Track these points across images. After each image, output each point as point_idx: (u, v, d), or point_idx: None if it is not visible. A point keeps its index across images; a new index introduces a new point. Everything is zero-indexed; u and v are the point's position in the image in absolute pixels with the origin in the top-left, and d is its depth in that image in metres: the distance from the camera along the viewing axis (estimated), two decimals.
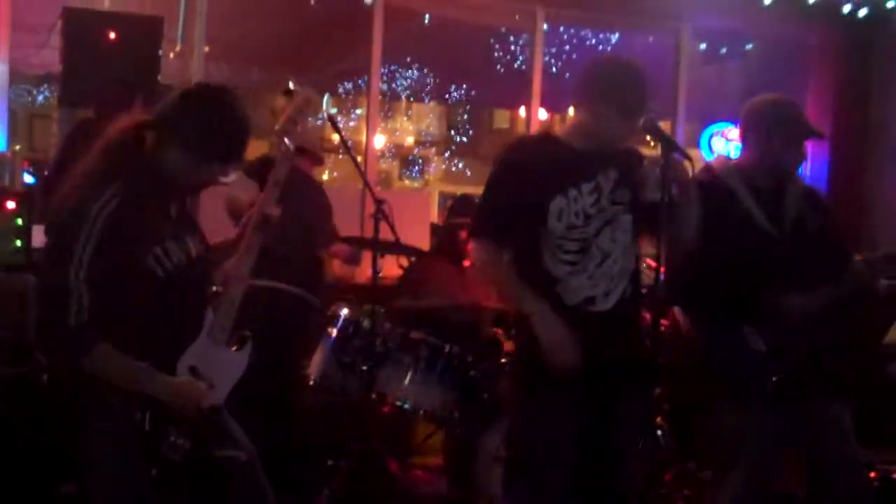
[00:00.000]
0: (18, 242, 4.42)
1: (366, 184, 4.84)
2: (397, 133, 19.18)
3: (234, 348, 3.05)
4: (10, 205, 4.43)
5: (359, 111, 15.16)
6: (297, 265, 4.86)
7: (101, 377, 2.71)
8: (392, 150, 19.30)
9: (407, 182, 19.75)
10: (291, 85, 3.45)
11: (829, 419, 3.71)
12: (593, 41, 9.37)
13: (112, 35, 5.55)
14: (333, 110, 18.01)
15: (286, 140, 3.25)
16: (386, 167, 19.21)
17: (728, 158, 3.96)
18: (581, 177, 3.37)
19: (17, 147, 9.03)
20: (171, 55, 8.13)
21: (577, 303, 3.35)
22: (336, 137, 5.05)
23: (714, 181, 3.78)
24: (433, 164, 19.83)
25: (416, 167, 19.95)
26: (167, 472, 2.78)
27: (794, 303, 3.65)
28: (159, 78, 5.70)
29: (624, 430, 3.42)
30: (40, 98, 12.44)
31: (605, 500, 3.46)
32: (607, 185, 3.40)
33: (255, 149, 3.94)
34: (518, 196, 3.35)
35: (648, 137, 3.50)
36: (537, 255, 3.36)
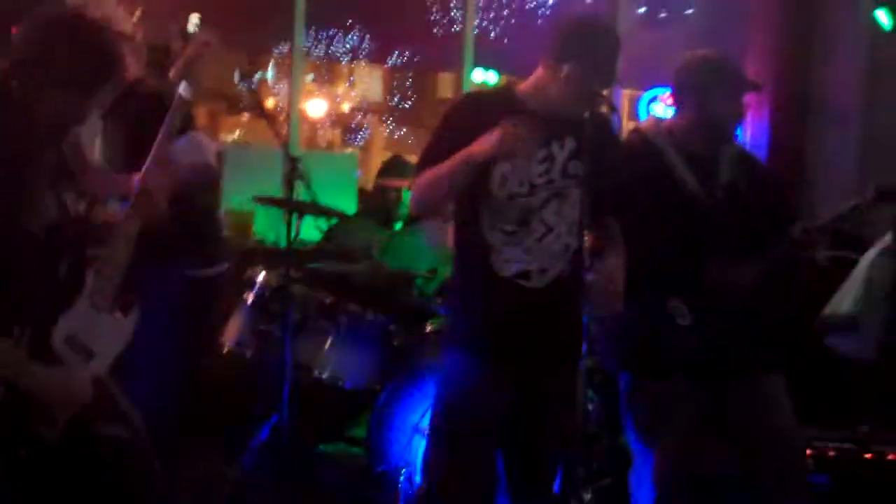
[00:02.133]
0: None
1: (281, 143, 4.58)
2: (338, 99, 18.89)
3: (118, 314, 2.80)
4: None
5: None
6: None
7: None
8: (333, 118, 19.03)
9: (349, 150, 19.50)
10: (192, 26, 3.15)
11: (760, 395, 3.57)
12: (532, 4, 9.18)
13: None
14: (270, 74, 17.72)
15: (181, 86, 2.98)
16: (327, 134, 18.94)
17: (659, 120, 3.77)
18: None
19: None
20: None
21: (510, 275, 3.14)
22: (270, 102, 4.89)
23: (642, 143, 3.60)
24: (374, 131, 19.57)
25: (359, 135, 19.69)
26: (39, 451, 2.52)
27: (722, 273, 3.48)
28: None
29: (546, 406, 3.25)
30: None
31: (527, 474, 3.31)
32: (561, 154, 3.17)
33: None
34: (427, 160, 3.14)
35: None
36: (476, 219, 3.15)
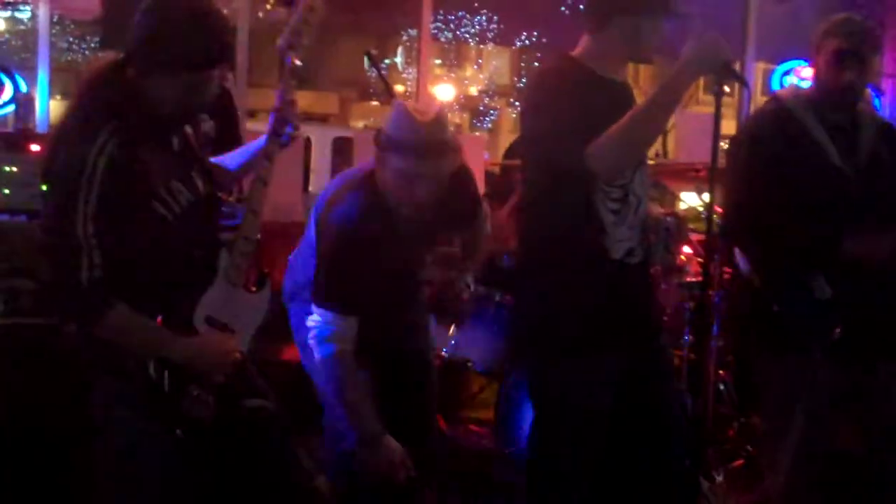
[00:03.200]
0: (44, 187, 4.27)
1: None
2: (465, 83, 18.93)
3: (253, 289, 2.82)
4: (35, 147, 4.25)
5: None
6: None
7: (118, 341, 2.53)
8: (461, 101, 19.07)
9: (478, 133, 19.51)
10: None
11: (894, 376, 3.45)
12: None
13: None
14: (399, 59, 17.84)
15: (290, 56, 2.90)
16: (456, 119, 19.00)
17: (798, 88, 3.66)
18: (623, 114, 2.92)
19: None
20: (224, 11, 8.02)
21: (622, 256, 3.05)
22: (399, 88, 4.89)
23: (782, 112, 3.50)
24: (502, 114, 19.54)
25: (487, 118, 19.68)
26: (194, 429, 2.59)
27: (863, 246, 3.37)
28: None
29: (661, 379, 3.19)
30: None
31: (659, 450, 3.16)
32: None
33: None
34: (585, 133, 2.86)
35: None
36: (590, 203, 2.98)
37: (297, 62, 2.87)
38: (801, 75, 7.74)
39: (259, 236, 2.77)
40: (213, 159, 2.97)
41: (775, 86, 7.97)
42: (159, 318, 2.58)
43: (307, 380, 3.44)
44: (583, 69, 3.02)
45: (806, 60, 7.97)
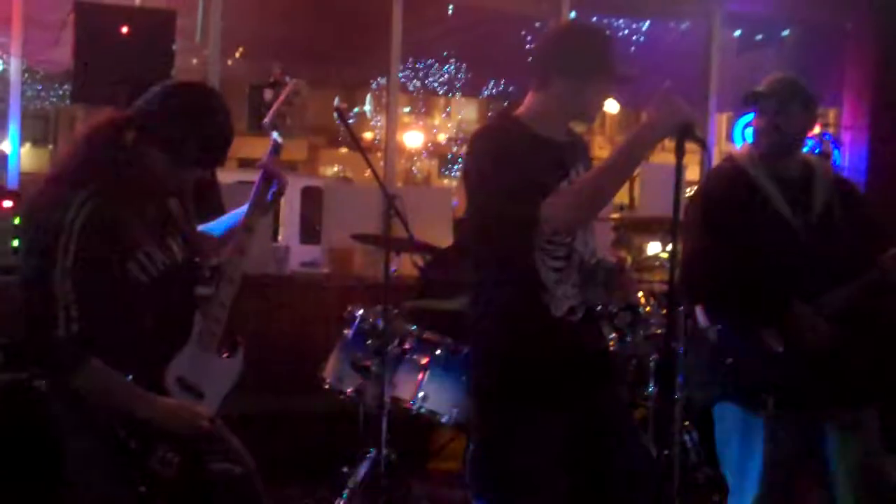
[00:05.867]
0: (16, 242, 4.30)
1: (378, 180, 4.66)
2: (434, 130, 19.06)
3: (225, 355, 2.89)
4: (7, 204, 4.29)
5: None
6: None
7: (90, 396, 2.57)
8: (430, 149, 19.18)
9: (446, 181, 19.61)
10: (280, 76, 3.26)
11: (851, 427, 3.51)
12: (625, 31, 9.15)
13: (125, 29, 5.47)
14: (368, 107, 17.96)
15: (274, 133, 3.08)
16: (423, 166, 19.12)
17: (754, 146, 3.75)
18: (562, 173, 3.02)
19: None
20: (194, 60, 8.07)
21: (563, 314, 3.06)
22: (368, 136, 5.00)
23: (735, 170, 3.59)
24: None
25: (455, 165, 19.80)
26: (157, 487, 2.61)
27: (815, 300, 3.45)
28: (174, 73, 5.60)
29: (616, 432, 3.16)
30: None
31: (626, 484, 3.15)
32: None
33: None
34: (535, 192, 2.91)
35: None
36: (531, 260, 3.00)
37: (280, 140, 3.01)
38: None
39: (231, 302, 2.84)
40: (200, 227, 3.04)
41: (737, 137, 8.09)
42: (129, 377, 2.61)
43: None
44: (521, 127, 3.06)
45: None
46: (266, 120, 3.07)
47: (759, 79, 3.67)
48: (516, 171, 2.93)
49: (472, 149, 3.10)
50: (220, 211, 3.26)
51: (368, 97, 18.16)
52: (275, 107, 3.08)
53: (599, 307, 3.18)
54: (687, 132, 2.98)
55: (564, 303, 3.06)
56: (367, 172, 4.56)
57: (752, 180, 3.55)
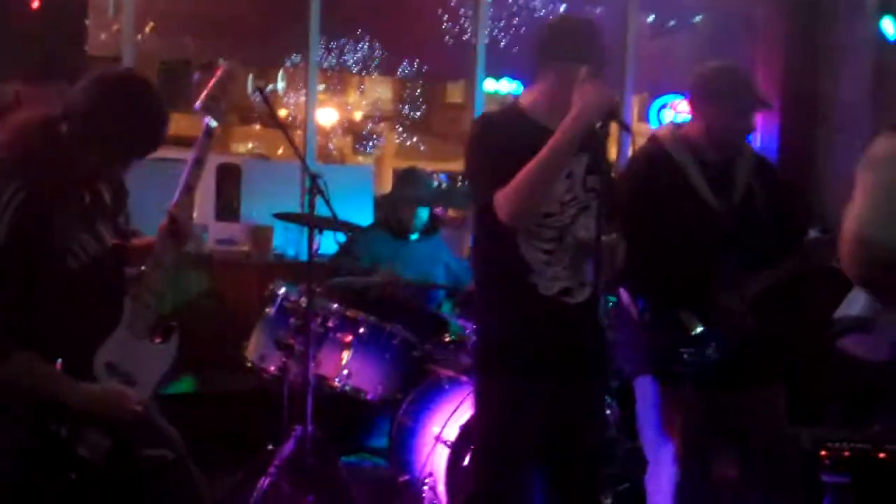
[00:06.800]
0: None
1: (301, 158, 4.66)
2: (349, 108, 18.93)
3: (157, 340, 2.88)
4: None
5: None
6: None
7: (15, 386, 2.54)
8: (345, 126, 19.05)
9: (360, 158, 19.51)
10: (217, 60, 3.24)
11: (765, 404, 3.63)
12: (542, 12, 9.22)
13: (35, 4, 5.34)
14: (282, 85, 17.78)
15: (207, 117, 3.05)
16: (339, 143, 18.97)
17: (677, 126, 3.83)
18: None
19: None
20: (103, 35, 7.90)
21: (554, 293, 3.18)
22: (282, 113, 4.98)
23: (659, 151, 3.66)
24: (385, 140, 19.60)
25: (370, 143, 19.71)
26: (87, 474, 2.61)
27: (734, 282, 3.55)
28: (87, 49, 5.51)
29: (584, 423, 3.28)
30: None
31: (567, 491, 3.33)
32: (579, 170, 3.20)
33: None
34: (496, 180, 3.06)
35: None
36: (512, 242, 3.15)
37: (214, 124, 2.98)
38: (678, 109, 8.01)
39: (163, 288, 2.82)
40: None
41: (653, 119, 8.23)
42: (59, 363, 2.59)
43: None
44: (519, 116, 3.20)
45: (681, 94, 8.29)
46: (198, 104, 3.03)
47: (673, 63, 3.75)
48: (487, 158, 3.11)
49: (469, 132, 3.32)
50: None
51: (281, 74, 17.98)
52: (207, 89, 3.04)
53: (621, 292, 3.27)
54: (612, 116, 3.07)
55: (555, 283, 3.16)
56: (282, 150, 4.56)
57: (674, 162, 3.63)
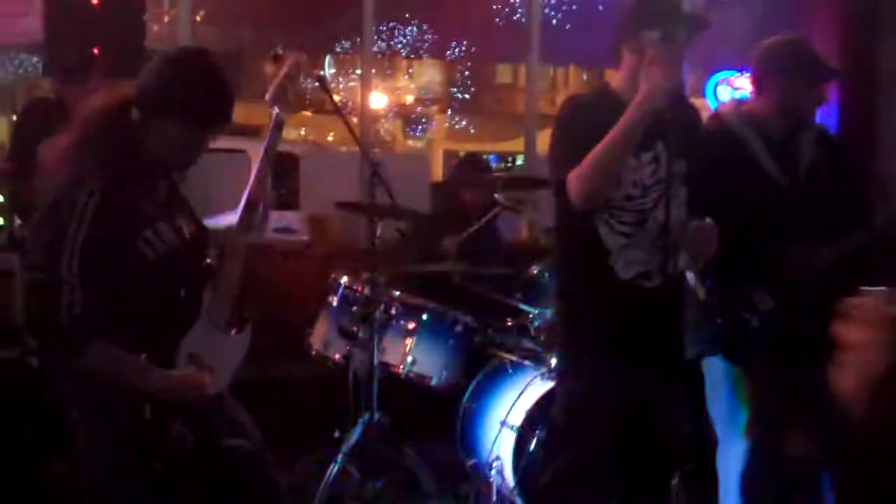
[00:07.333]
0: (1, 221, 4.29)
1: (361, 147, 4.67)
2: (398, 92, 18.96)
3: (233, 331, 2.91)
4: None
5: (358, 71, 14.96)
6: None
7: (96, 376, 2.59)
8: (395, 110, 19.09)
9: (410, 142, 19.56)
10: (280, 50, 3.25)
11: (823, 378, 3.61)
12: None
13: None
14: (331, 71, 17.85)
15: (276, 108, 3.07)
16: (389, 127, 19.02)
17: (739, 103, 3.79)
18: (640, 145, 3.14)
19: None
20: (165, 19, 7.97)
21: (631, 277, 3.19)
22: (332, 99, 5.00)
23: (722, 129, 3.63)
24: (435, 122, 19.62)
25: (420, 126, 19.74)
26: (173, 466, 2.65)
27: (803, 259, 3.51)
28: (146, 43, 5.55)
29: (665, 407, 3.32)
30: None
31: (642, 463, 3.35)
32: (664, 154, 3.20)
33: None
34: (574, 162, 3.08)
35: None
36: (591, 224, 3.17)
37: (282, 114, 3.01)
38: (735, 84, 7.90)
39: (239, 278, 2.85)
40: None
41: (709, 96, 8.12)
42: (143, 356, 2.64)
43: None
44: (610, 98, 3.20)
45: (737, 70, 8.17)
46: (268, 95, 3.05)
47: (729, 37, 3.72)
48: (569, 140, 3.15)
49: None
50: None
51: (329, 60, 18.04)
52: (277, 80, 3.07)
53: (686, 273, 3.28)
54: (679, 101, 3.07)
55: (632, 267, 3.16)
56: (332, 135, 4.57)
57: (738, 140, 3.59)
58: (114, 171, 2.60)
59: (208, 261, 2.88)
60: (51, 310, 2.51)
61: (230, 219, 2.95)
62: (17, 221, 4.12)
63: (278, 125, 3.04)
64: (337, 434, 4.52)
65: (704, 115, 3.78)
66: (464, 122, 18.99)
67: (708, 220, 3.21)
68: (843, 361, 1.34)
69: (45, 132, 3.50)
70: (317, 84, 4.50)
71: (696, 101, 4.91)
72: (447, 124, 19.45)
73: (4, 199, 4.35)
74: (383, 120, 18.39)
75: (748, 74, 3.77)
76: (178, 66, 2.70)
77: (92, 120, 2.68)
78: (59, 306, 2.50)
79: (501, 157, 17.62)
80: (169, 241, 2.70)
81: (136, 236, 2.63)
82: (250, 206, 2.94)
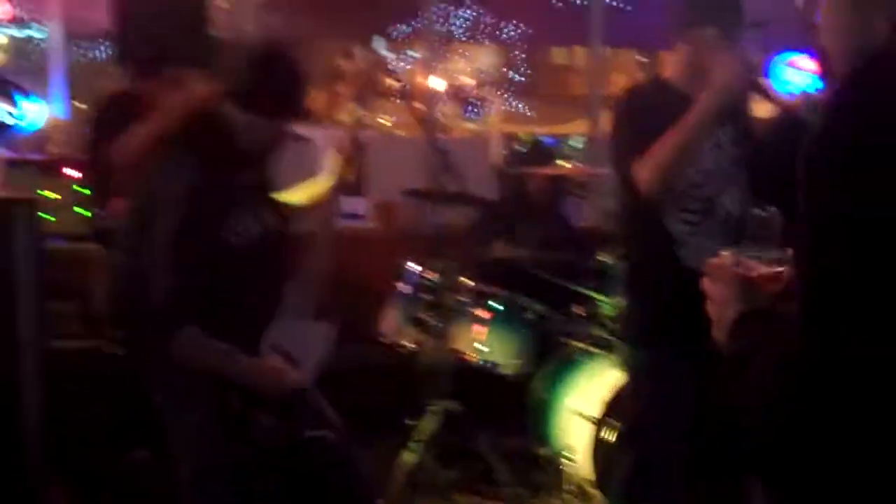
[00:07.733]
0: (82, 211, 4.36)
1: (427, 134, 4.66)
2: (455, 74, 18.94)
3: (319, 322, 2.94)
4: (72, 173, 4.34)
5: (414, 54, 14.94)
6: None
7: (186, 362, 2.64)
8: (450, 93, 19.08)
9: (468, 124, 19.54)
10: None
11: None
12: None
13: None
14: (385, 54, 17.91)
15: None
16: (446, 111, 19.04)
17: (809, 96, 3.74)
18: None
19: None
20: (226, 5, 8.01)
21: (698, 266, 3.16)
22: (391, 82, 5.01)
23: (790, 120, 3.58)
24: (493, 105, 19.56)
25: (476, 108, 19.70)
26: (261, 456, 2.69)
27: None
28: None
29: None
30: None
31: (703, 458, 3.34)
32: (726, 140, 3.19)
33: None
34: (637, 152, 3.05)
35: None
36: (656, 213, 3.15)
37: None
38: (800, 65, 7.77)
39: (324, 270, 2.88)
40: None
41: (774, 80, 7.99)
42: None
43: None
44: (662, 86, 3.20)
45: (801, 51, 8.02)
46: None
47: (792, 14, 3.64)
48: (630, 129, 3.12)
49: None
50: None
51: (383, 43, 18.05)
52: (357, 76, 3.09)
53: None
54: (754, 87, 3.03)
55: (702, 254, 3.12)
56: (389, 120, 4.59)
57: (808, 130, 3.54)
58: (208, 162, 2.66)
59: (293, 251, 2.91)
60: (144, 295, 2.56)
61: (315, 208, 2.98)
62: (99, 212, 4.19)
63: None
64: (408, 422, 4.54)
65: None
66: (520, 106, 18.91)
67: (772, 208, 3.17)
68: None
69: (123, 124, 3.57)
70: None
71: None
72: (504, 107, 19.38)
73: (87, 189, 4.41)
74: (441, 103, 18.38)
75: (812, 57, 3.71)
76: (266, 60, 2.73)
77: (187, 113, 2.72)
78: (152, 291, 2.55)
79: (559, 139, 17.57)
80: (255, 231, 2.74)
81: (224, 226, 2.67)
82: (334, 195, 2.97)
